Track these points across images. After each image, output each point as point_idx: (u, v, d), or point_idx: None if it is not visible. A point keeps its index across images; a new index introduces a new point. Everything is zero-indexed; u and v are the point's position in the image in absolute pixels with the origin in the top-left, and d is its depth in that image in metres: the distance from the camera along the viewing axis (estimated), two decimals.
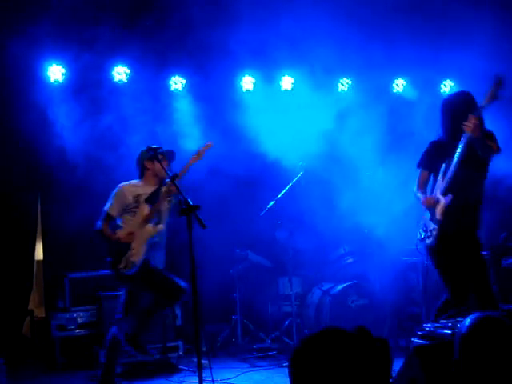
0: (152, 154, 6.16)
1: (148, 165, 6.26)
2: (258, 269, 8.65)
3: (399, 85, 10.14)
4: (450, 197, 5.63)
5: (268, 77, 9.56)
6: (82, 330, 7.83)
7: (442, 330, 4.57)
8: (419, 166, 6.02)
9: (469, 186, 5.69)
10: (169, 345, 7.57)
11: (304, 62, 9.15)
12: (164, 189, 6.14)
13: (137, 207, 6.17)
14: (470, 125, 5.45)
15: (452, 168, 5.65)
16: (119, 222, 6.24)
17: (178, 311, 7.86)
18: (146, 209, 6.14)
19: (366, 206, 7.98)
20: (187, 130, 8.80)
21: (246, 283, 8.50)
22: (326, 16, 8.32)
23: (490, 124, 5.81)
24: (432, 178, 5.93)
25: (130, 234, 6.05)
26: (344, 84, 9.88)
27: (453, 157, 5.64)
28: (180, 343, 7.68)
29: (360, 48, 8.80)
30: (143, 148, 6.35)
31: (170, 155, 6.32)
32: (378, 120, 8.81)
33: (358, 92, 9.74)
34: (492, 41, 8.64)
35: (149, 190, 6.23)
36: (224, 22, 8.27)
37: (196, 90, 9.21)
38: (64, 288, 7.99)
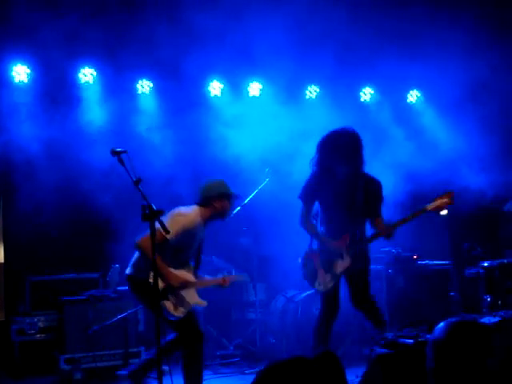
0: (225, 194, 5.97)
1: (215, 202, 5.95)
2: (222, 275, 8.59)
3: (366, 93, 10.20)
4: None
5: (236, 83, 9.55)
6: (42, 335, 7.70)
7: (403, 339, 4.60)
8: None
9: None
10: (130, 351, 7.48)
11: (273, 70, 9.15)
12: (219, 281, 6.16)
13: (189, 245, 5.91)
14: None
15: None
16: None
17: (140, 316, 7.78)
18: (192, 278, 5.95)
19: None
20: (153, 133, 8.78)
21: (209, 289, 8.43)
22: (297, 24, 8.37)
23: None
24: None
25: (185, 282, 5.83)
26: (312, 92, 9.90)
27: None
28: (142, 349, 7.60)
29: (329, 56, 8.84)
30: (215, 179, 6.09)
31: (236, 198, 6.22)
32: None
33: (325, 100, 9.77)
34: (460, 53, 8.75)
35: (201, 230, 5.98)
36: (192, 28, 8.25)
37: (163, 93, 9.17)
38: (25, 291, 7.87)
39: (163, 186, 7.95)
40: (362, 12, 8.81)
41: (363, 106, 10.12)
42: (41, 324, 7.71)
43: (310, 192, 6.12)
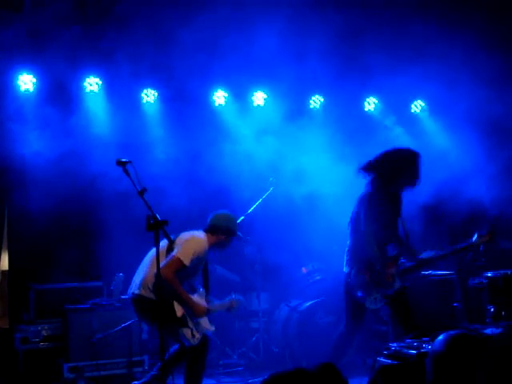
0: (232, 231, 6.14)
1: (221, 234, 6.10)
2: (226, 284, 8.60)
3: (370, 103, 10.22)
4: None
5: (240, 92, 9.58)
6: (46, 343, 7.68)
7: (407, 350, 4.60)
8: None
9: None
10: (134, 359, 7.49)
11: (277, 79, 9.18)
12: (226, 305, 6.20)
13: (198, 270, 6.02)
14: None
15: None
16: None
17: (144, 325, 7.79)
18: (203, 304, 5.97)
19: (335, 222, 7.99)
20: (158, 143, 8.81)
21: (213, 298, 8.45)
22: (301, 34, 8.40)
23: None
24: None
25: (205, 310, 5.88)
26: (316, 101, 9.93)
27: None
28: (145, 358, 7.61)
29: (334, 66, 8.87)
30: (228, 213, 6.26)
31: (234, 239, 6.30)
32: (348, 137, 8.88)
33: (329, 109, 9.80)
34: (464, 65, 8.77)
35: (207, 255, 6.09)
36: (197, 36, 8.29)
37: (168, 102, 9.21)
38: (29, 300, 7.87)
39: (166, 196, 7.96)
40: (366, 23, 8.82)
41: (367, 116, 10.13)
42: (45, 332, 7.69)
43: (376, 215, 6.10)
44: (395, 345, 4.78)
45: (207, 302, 6.06)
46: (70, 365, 7.24)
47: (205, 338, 5.89)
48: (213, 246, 6.12)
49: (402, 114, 10.14)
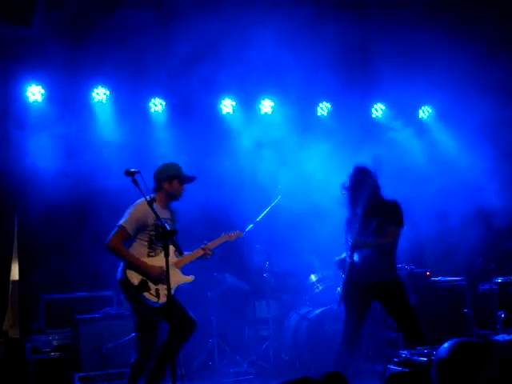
0: (174, 176, 6.07)
1: (165, 185, 6.07)
2: (235, 292, 8.62)
3: (378, 109, 10.22)
4: None
5: (248, 100, 9.60)
6: (57, 353, 7.70)
7: (418, 357, 4.59)
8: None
9: None
10: None
11: (284, 86, 9.20)
12: (200, 252, 6.17)
13: (155, 230, 5.87)
14: None
15: None
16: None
17: None
18: (173, 254, 5.89)
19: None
20: (165, 152, 8.82)
21: (223, 306, 8.46)
22: (307, 41, 8.42)
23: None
24: None
25: (161, 269, 5.74)
26: (324, 108, 9.94)
27: None
28: None
29: (341, 73, 8.88)
30: (167, 163, 6.19)
31: (190, 181, 6.24)
32: (356, 144, 8.88)
33: (336, 117, 9.81)
34: (472, 71, 8.78)
35: (164, 213, 5.99)
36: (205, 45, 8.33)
37: (175, 111, 9.24)
38: (39, 309, 7.90)
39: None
40: (374, 31, 8.83)
41: (375, 123, 10.14)
42: (55, 342, 7.72)
43: None
44: (406, 352, 4.77)
45: (178, 256, 5.95)
46: (81, 375, 7.26)
47: (191, 320, 5.88)
48: (168, 200, 6.07)
49: (409, 120, 10.14)
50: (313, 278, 8.52)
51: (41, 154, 8.23)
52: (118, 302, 7.87)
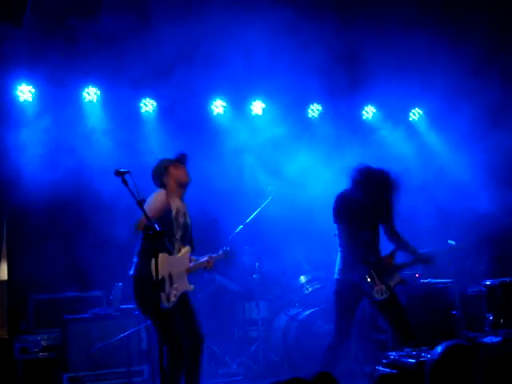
0: (167, 166, 5.92)
1: (165, 180, 5.90)
2: (225, 293, 8.62)
3: (369, 112, 10.25)
4: None
5: (239, 101, 9.61)
6: (45, 353, 7.65)
7: (406, 359, 4.60)
8: None
9: None
10: (134, 369, 7.47)
11: (275, 88, 9.21)
12: (204, 263, 6.03)
13: (171, 224, 5.80)
14: None
15: None
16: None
17: (143, 335, 7.78)
18: (187, 259, 5.89)
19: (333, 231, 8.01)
20: (156, 152, 8.81)
21: (212, 307, 8.47)
22: (298, 43, 8.43)
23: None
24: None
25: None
26: (314, 110, 9.96)
27: None
28: (145, 367, 7.60)
29: (332, 75, 8.90)
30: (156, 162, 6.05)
31: (182, 159, 6.05)
32: (347, 146, 8.90)
33: (327, 118, 9.84)
34: (463, 74, 8.82)
35: (181, 207, 5.91)
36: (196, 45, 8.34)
37: (166, 112, 9.24)
38: (28, 309, 7.88)
39: None
40: (365, 33, 8.85)
41: (365, 124, 10.17)
42: (44, 342, 7.68)
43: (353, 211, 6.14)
44: (394, 354, 4.78)
45: (191, 261, 5.94)
46: (70, 375, 7.24)
47: (197, 338, 5.81)
48: (179, 190, 5.88)
49: (400, 122, 10.19)
50: (302, 279, 8.53)
51: (31, 153, 8.20)
52: (108, 302, 7.86)
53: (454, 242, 6.25)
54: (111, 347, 7.32)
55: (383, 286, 5.92)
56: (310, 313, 7.92)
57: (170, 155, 7.25)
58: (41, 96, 8.55)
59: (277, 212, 8.32)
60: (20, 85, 8.46)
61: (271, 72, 8.76)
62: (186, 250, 5.91)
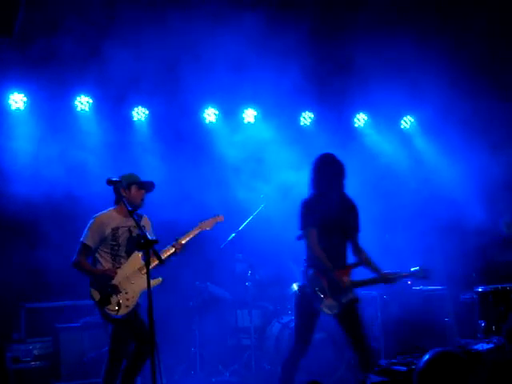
0: (130, 182, 6.04)
1: (123, 192, 5.97)
2: (217, 301, 8.60)
3: (360, 119, 10.29)
4: None
5: (231, 109, 9.63)
6: (37, 362, 7.64)
7: (397, 367, 4.61)
8: None
9: None
10: None
11: (267, 96, 9.23)
12: (170, 250, 6.09)
13: (115, 240, 5.98)
14: None
15: None
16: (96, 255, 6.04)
17: None
18: (138, 259, 5.97)
19: None
20: (149, 160, 8.83)
21: (205, 315, 8.45)
22: (290, 51, 8.46)
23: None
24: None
25: (113, 271, 5.89)
26: (306, 118, 9.99)
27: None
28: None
29: (324, 83, 8.93)
30: (124, 174, 6.15)
31: (149, 186, 6.20)
32: (338, 153, 8.90)
33: (319, 126, 9.86)
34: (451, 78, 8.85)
35: (126, 222, 6.02)
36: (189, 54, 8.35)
37: (158, 120, 9.25)
38: (20, 318, 7.85)
39: (157, 212, 7.96)
40: (357, 41, 8.88)
41: (357, 132, 10.21)
42: (36, 351, 7.66)
43: (316, 217, 5.86)
44: (385, 361, 4.79)
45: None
46: None
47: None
48: (131, 207, 5.70)
49: (391, 130, 10.22)
50: (295, 287, 8.51)
51: (22, 164, 8.20)
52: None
53: (418, 268, 6.02)
54: (104, 356, 7.28)
55: (334, 302, 5.73)
56: None
57: (163, 164, 7.33)
58: (32, 104, 8.54)
59: (269, 220, 8.32)
60: (12, 93, 8.45)
61: (263, 80, 8.78)
62: (133, 255, 6.00)
